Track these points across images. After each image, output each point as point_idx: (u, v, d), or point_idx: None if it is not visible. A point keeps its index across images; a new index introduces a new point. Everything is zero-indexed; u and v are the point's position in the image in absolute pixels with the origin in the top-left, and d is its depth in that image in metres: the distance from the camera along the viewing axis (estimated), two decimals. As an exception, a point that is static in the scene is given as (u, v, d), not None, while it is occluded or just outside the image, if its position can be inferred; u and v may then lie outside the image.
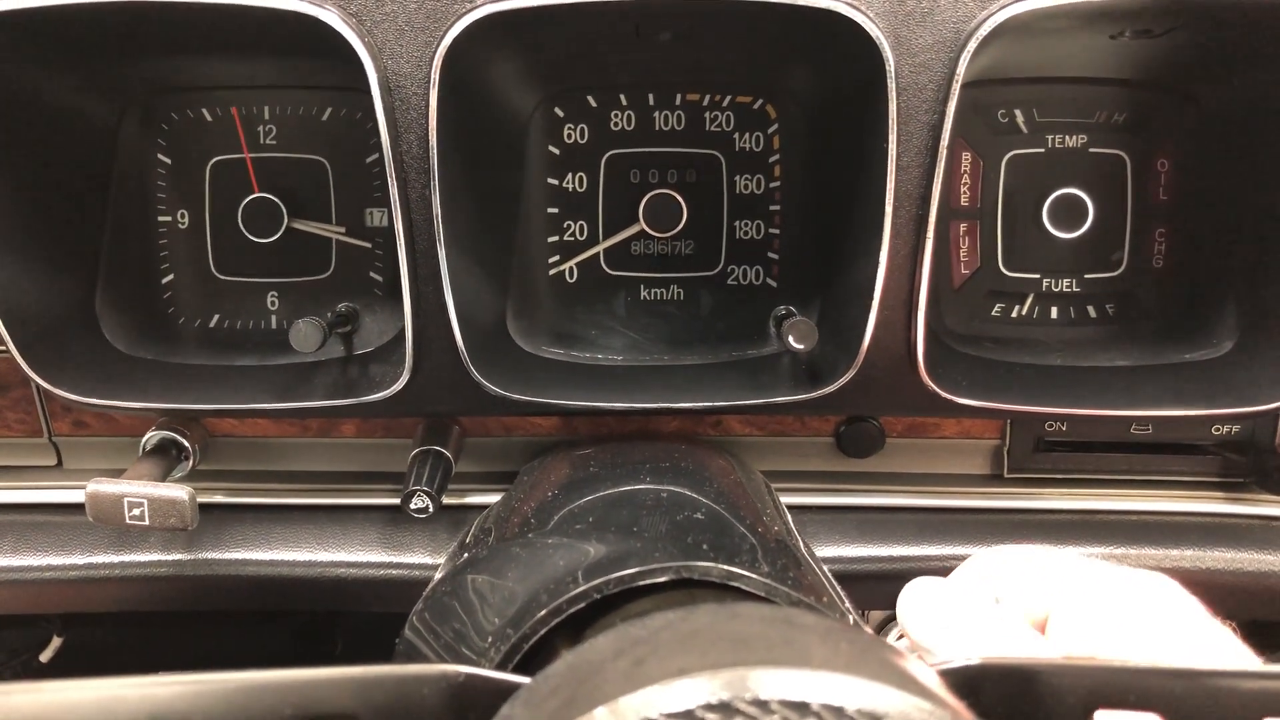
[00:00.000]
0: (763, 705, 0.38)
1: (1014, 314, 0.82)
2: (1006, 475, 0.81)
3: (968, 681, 0.42)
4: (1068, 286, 0.82)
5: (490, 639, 0.46)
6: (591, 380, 0.75)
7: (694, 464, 0.68)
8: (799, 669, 0.39)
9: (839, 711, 0.38)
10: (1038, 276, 0.81)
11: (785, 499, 0.82)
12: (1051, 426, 0.80)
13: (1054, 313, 0.82)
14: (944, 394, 0.71)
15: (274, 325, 0.80)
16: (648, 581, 0.44)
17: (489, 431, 0.80)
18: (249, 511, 0.79)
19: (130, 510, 0.72)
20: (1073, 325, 0.82)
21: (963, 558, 0.53)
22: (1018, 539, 0.76)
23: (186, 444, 0.77)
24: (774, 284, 0.80)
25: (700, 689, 0.38)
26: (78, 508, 0.75)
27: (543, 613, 0.45)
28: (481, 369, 0.70)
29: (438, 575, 0.60)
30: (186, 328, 0.80)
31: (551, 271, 0.80)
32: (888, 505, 0.81)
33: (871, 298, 0.67)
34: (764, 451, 0.81)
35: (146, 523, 0.71)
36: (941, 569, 0.56)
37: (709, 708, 0.38)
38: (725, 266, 0.80)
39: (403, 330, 0.69)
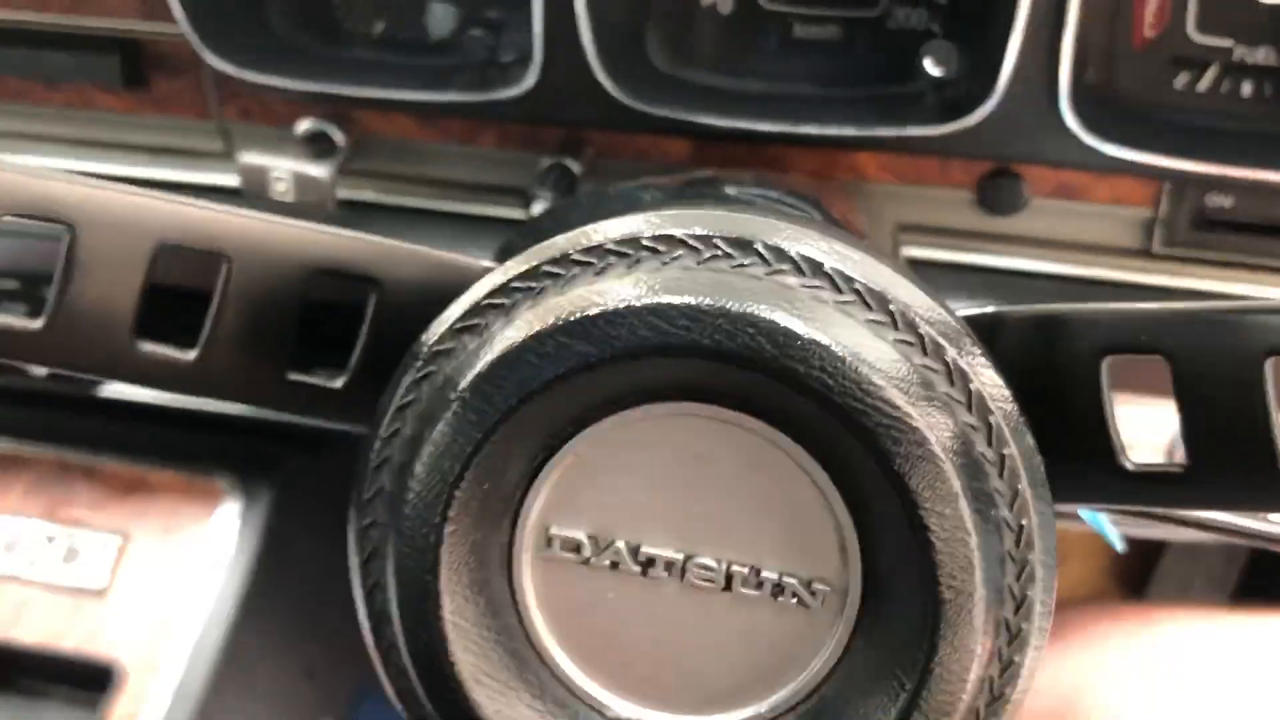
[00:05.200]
0: (706, 240, 0.38)
1: (1200, 87, 0.76)
2: (1156, 251, 0.76)
3: (983, 329, 0.41)
4: (1264, 59, 0.75)
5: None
6: (730, 104, 0.74)
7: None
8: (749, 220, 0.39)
9: (779, 252, 0.38)
10: (1230, 44, 0.75)
11: (918, 252, 0.79)
12: (1214, 202, 0.74)
13: (1246, 89, 0.75)
14: (1089, 139, 0.67)
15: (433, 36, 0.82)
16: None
17: (619, 154, 0.80)
18: (389, 211, 0.83)
19: (275, 184, 0.76)
20: (1266, 105, 0.75)
21: None
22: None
23: (338, 134, 0.81)
24: (936, 30, 0.76)
25: (641, 223, 0.39)
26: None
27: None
28: (612, 78, 0.70)
29: None
30: (351, 29, 0.83)
31: (704, 2, 0.78)
32: (1025, 270, 0.77)
33: (1014, 18, 0.63)
34: (901, 201, 0.78)
35: (290, 198, 0.76)
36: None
37: (654, 239, 0.38)
38: (887, 8, 0.77)
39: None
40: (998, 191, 0.76)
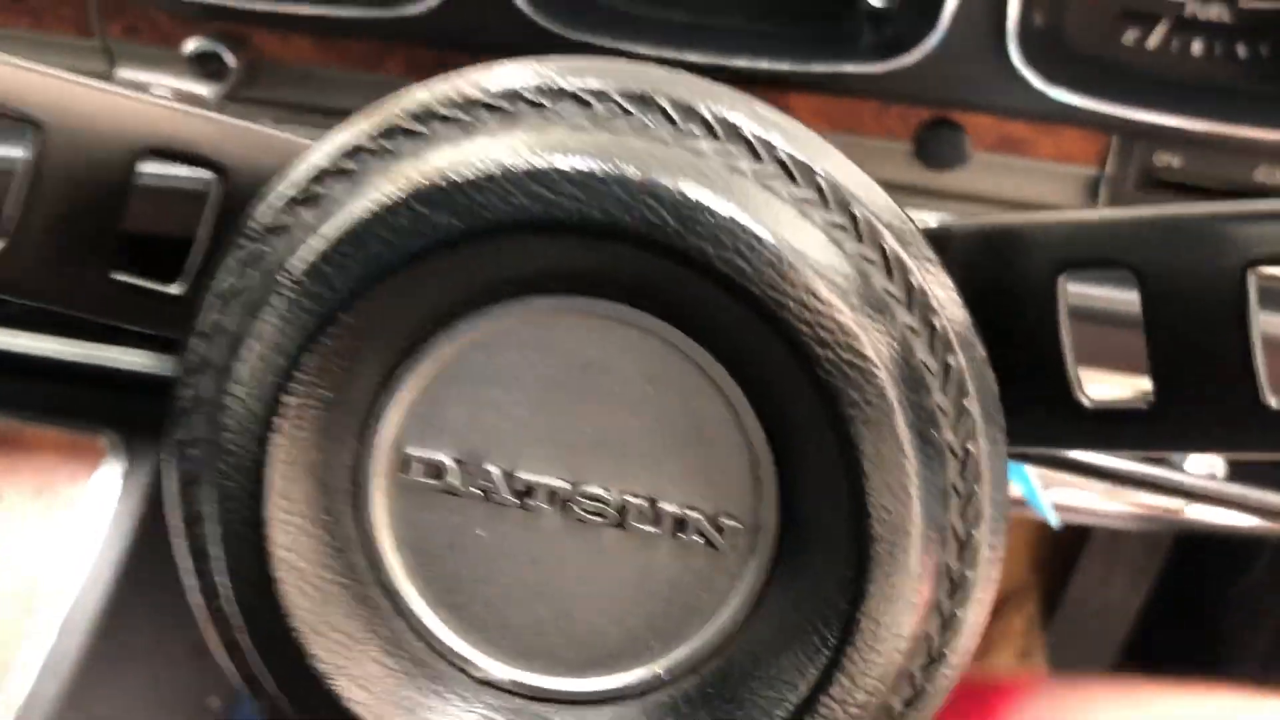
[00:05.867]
0: (600, 95, 0.33)
1: (1150, 43, 0.72)
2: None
3: (934, 243, 0.35)
4: (1216, 15, 0.71)
5: None
6: (656, 33, 0.69)
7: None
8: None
9: (689, 110, 0.33)
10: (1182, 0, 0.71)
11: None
12: (1162, 161, 0.71)
13: (1196, 47, 0.72)
14: (1037, 83, 0.63)
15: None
16: None
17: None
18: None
19: (155, 103, 0.70)
20: (1214, 63, 0.71)
21: None
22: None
23: (229, 56, 0.75)
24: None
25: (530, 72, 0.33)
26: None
27: None
28: (527, -3, 0.65)
29: None
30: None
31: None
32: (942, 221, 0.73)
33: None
34: (834, 150, 0.74)
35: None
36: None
37: (541, 90, 0.33)
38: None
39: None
40: (937, 143, 0.71)
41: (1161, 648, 1.38)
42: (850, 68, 0.65)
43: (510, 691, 0.35)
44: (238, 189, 0.37)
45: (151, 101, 0.36)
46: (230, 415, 0.33)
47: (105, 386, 0.99)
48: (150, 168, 0.37)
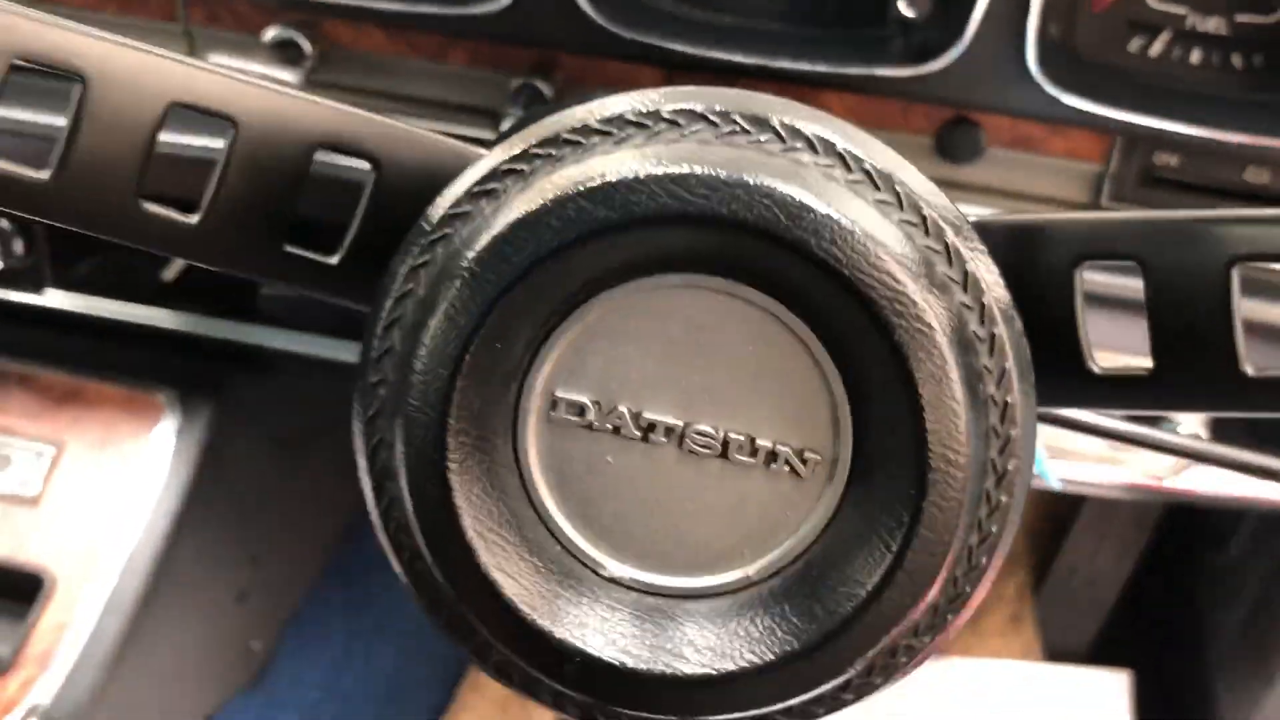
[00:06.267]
0: (724, 116, 0.40)
1: (1152, 51, 0.79)
2: (1104, 205, 0.79)
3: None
4: (1215, 28, 0.78)
5: None
6: (705, 34, 0.75)
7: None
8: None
9: (794, 130, 0.40)
10: (1184, 11, 0.77)
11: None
12: (1161, 160, 0.77)
13: (1194, 57, 0.78)
14: (1050, 89, 0.69)
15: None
16: None
17: (590, 80, 0.81)
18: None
19: (242, 87, 0.76)
20: (1211, 72, 0.78)
21: None
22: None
23: (305, 44, 0.80)
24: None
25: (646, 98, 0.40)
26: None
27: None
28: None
29: None
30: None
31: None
32: (977, 218, 0.79)
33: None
34: (862, 144, 0.80)
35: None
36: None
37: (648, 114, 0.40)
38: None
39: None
40: (956, 139, 0.78)
41: (1147, 615, 1.45)
42: (882, 71, 0.71)
43: (630, 587, 0.43)
44: (387, 180, 0.44)
45: (325, 104, 0.43)
46: (420, 362, 0.40)
47: (164, 348, 1.05)
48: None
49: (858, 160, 0.41)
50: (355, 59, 0.82)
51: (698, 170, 0.38)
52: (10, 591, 0.97)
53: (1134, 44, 0.78)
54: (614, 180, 0.39)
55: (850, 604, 0.40)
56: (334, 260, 0.45)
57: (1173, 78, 0.77)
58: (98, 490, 1.00)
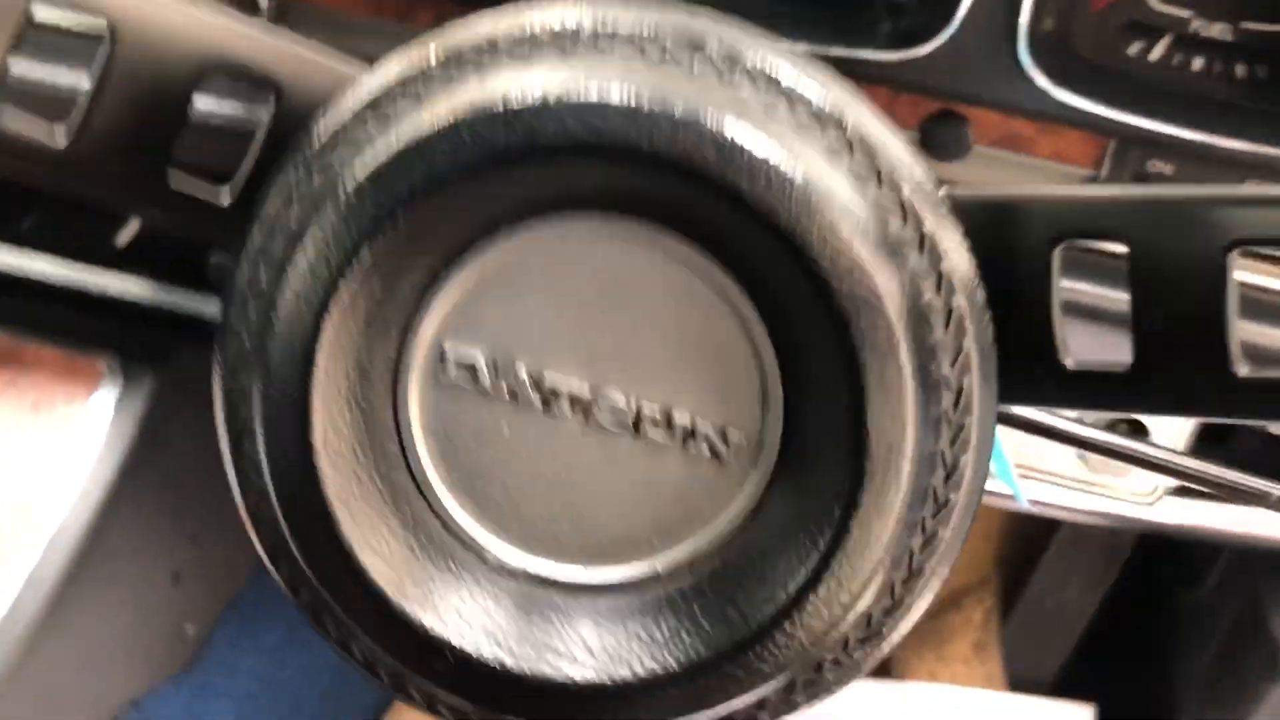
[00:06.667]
0: (652, 39, 0.35)
1: (1153, 55, 0.75)
2: (1093, 212, 0.75)
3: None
4: (1219, 34, 0.74)
5: None
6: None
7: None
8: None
9: (733, 60, 0.35)
10: (1188, 15, 0.74)
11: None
12: (1155, 169, 0.73)
13: (1196, 63, 0.75)
14: (1042, 83, 0.65)
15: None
16: None
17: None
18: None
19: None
20: (1213, 79, 0.74)
21: None
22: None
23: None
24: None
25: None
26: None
27: None
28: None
29: None
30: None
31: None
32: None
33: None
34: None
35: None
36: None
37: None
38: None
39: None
40: (942, 134, 0.74)
41: (1115, 649, 1.42)
42: (866, 54, 0.68)
43: (517, 575, 0.38)
44: (289, 108, 0.40)
45: (220, 15, 0.39)
46: (284, 301, 0.35)
47: (107, 312, 1.01)
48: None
49: (805, 97, 0.36)
50: (315, 16, 0.79)
51: (615, 96, 0.34)
52: (-73, 558, 0.93)
53: (1134, 47, 0.74)
54: (517, 102, 0.34)
55: (770, 609, 0.35)
56: (224, 199, 0.39)
57: (1173, 83, 0.74)
58: (27, 457, 0.96)
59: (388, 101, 0.36)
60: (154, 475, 1.02)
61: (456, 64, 0.36)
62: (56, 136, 0.38)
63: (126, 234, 1.04)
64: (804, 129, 0.35)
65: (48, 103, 0.37)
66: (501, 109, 0.34)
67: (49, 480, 0.95)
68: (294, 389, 0.35)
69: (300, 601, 0.38)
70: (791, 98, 0.36)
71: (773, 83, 0.36)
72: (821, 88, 0.36)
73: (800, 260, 0.34)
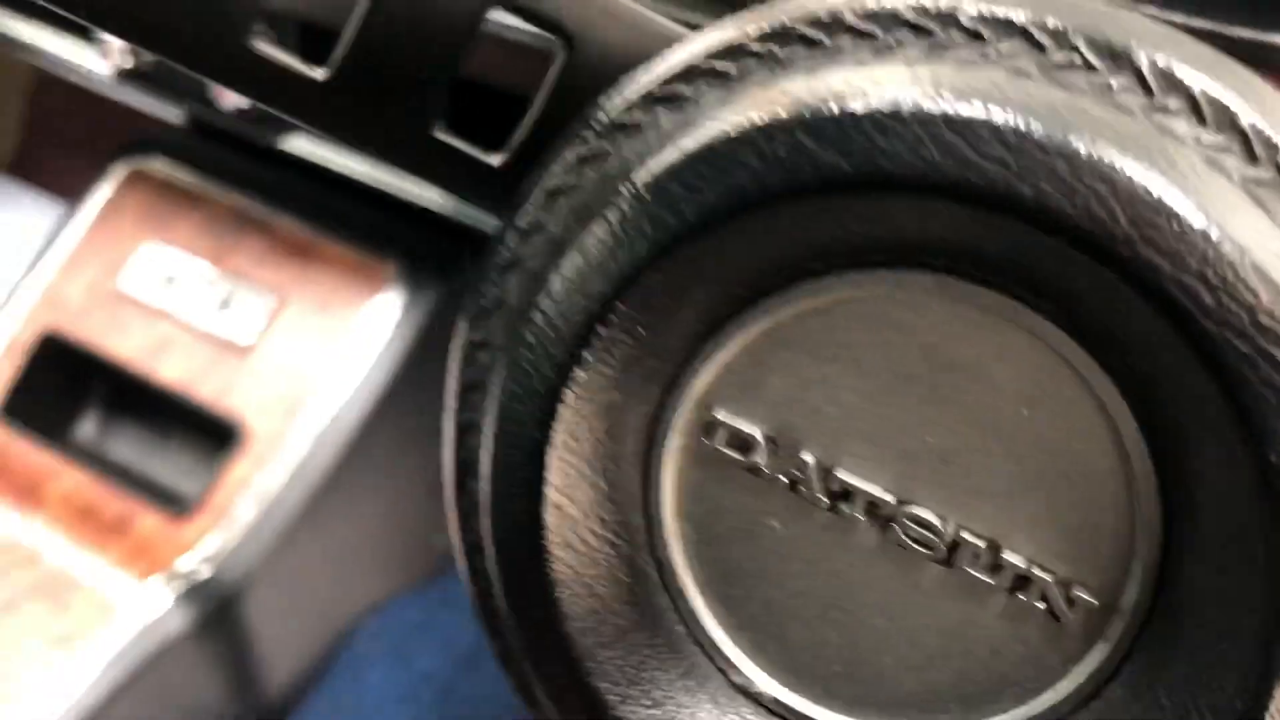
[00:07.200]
0: (1059, 37, 0.26)
1: None
2: None
3: None
4: None
5: None
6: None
7: None
8: None
9: (1170, 79, 0.25)
10: None
11: None
12: None
13: None
14: None
15: None
16: None
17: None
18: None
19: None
20: None
21: None
22: None
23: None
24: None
25: None
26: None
27: None
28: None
29: None
30: None
31: None
32: None
33: None
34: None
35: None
36: None
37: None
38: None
39: None
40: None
41: None
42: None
43: (770, 709, 0.30)
44: (581, 60, 0.32)
45: None
46: (533, 330, 0.29)
47: (404, 215, 1.00)
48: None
49: (1270, 145, 0.25)
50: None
51: (997, 117, 0.24)
52: (208, 433, 0.95)
53: None
54: (858, 111, 0.25)
55: None
56: (495, 160, 0.33)
57: None
58: (310, 351, 0.97)
59: (689, 85, 0.29)
60: (424, 386, 1.01)
61: (782, 43, 0.28)
62: (315, 69, 0.32)
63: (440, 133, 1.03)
64: (1261, 190, 0.25)
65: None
66: (836, 115, 0.25)
67: (325, 377, 0.95)
68: (531, 438, 0.29)
69: (510, 678, 0.32)
70: (1250, 146, 0.25)
71: (1226, 120, 0.25)
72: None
73: (1222, 375, 0.24)
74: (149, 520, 0.90)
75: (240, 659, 0.93)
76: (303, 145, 0.95)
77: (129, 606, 0.86)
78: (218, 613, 0.90)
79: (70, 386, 0.99)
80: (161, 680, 0.87)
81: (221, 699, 0.93)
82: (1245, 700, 0.25)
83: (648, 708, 0.30)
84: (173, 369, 0.94)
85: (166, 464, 0.99)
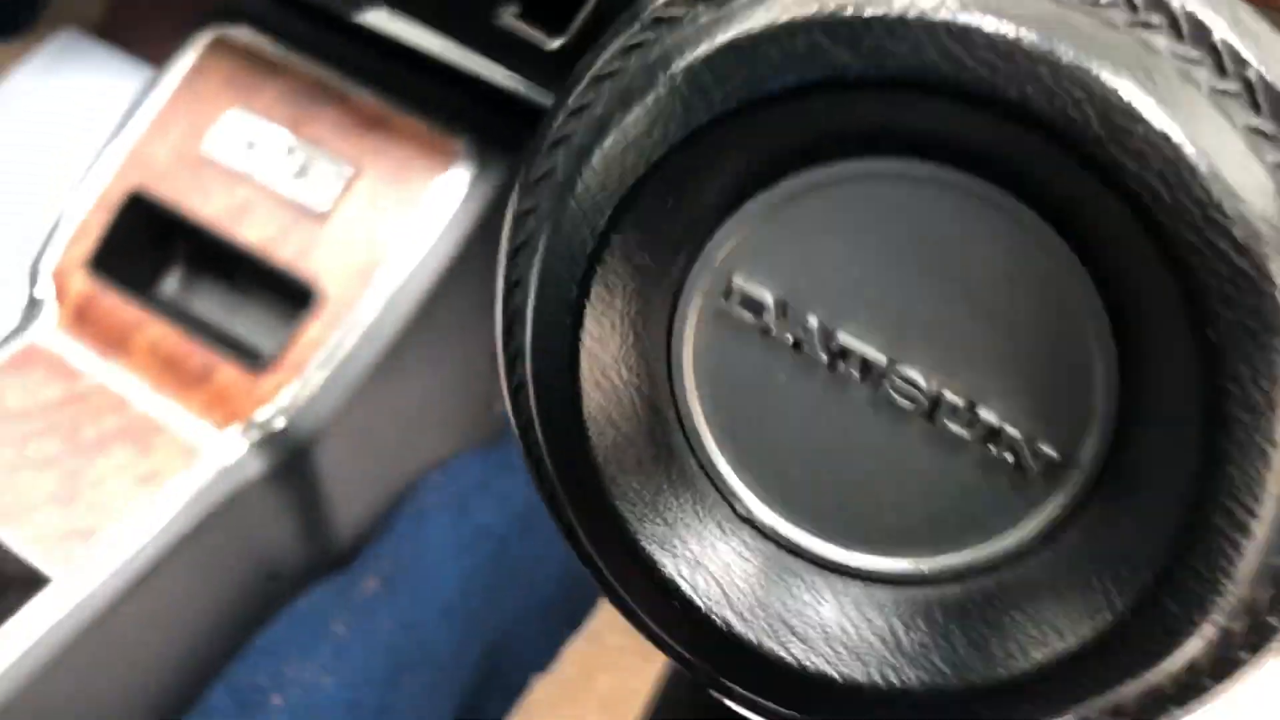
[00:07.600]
0: None
1: None
2: None
3: None
4: None
5: None
6: None
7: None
8: None
9: None
10: None
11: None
12: None
13: None
14: None
15: None
16: None
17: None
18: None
19: None
20: None
21: None
22: None
23: None
24: None
25: None
26: None
27: None
28: None
29: None
30: None
31: None
32: None
33: None
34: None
35: None
36: None
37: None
38: None
39: None
40: None
41: None
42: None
43: (768, 536, 0.34)
44: None
45: None
46: (575, 198, 0.32)
47: (477, 94, 1.03)
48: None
49: (1239, 62, 0.28)
50: None
51: (990, 26, 0.27)
52: (285, 294, 1.00)
53: None
54: (870, 15, 0.28)
55: (1039, 653, 0.30)
56: (554, 44, 0.37)
57: None
58: (383, 220, 1.01)
59: None
60: (490, 260, 1.05)
61: None
62: None
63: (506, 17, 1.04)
64: (1226, 102, 0.28)
65: None
66: (848, 16, 0.28)
67: (396, 245, 0.99)
68: (569, 287, 0.32)
69: (552, 512, 0.36)
70: (1221, 61, 0.28)
71: (1200, 33, 0.28)
72: (1262, 49, 0.28)
73: (1182, 270, 0.27)
74: (228, 373, 0.95)
75: (311, 505, 0.99)
76: (381, 20, 0.98)
77: (209, 451, 0.92)
78: (291, 461, 0.95)
79: (155, 243, 1.04)
80: (237, 521, 0.94)
81: (292, 541, 0.99)
82: (1171, 551, 0.28)
83: (660, 527, 0.34)
84: (253, 231, 0.98)
85: (245, 321, 1.04)
